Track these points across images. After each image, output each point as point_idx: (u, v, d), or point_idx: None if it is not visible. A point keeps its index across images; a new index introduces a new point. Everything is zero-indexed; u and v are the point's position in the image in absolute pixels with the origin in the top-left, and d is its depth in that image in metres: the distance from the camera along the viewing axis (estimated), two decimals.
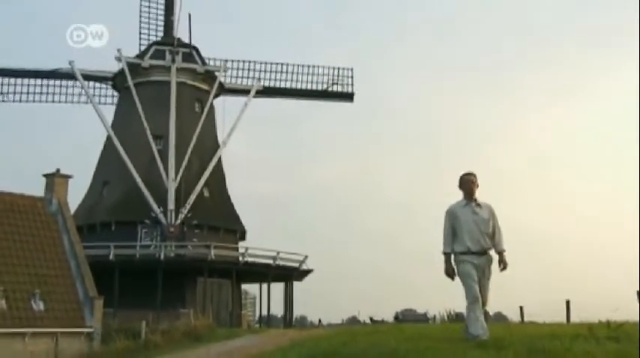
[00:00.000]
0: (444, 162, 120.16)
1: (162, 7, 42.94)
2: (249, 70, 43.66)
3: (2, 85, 40.90)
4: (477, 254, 7.43)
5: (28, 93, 41.31)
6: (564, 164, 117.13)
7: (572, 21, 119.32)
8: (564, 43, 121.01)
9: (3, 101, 41.07)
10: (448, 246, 7.60)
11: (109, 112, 42.43)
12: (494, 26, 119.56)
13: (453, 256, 7.57)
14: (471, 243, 7.43)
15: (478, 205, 7.63)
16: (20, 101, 41.35)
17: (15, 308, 21.81)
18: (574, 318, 16.65)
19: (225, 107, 43.20)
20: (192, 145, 39.55)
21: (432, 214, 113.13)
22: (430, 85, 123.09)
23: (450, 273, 7.55)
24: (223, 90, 43.32)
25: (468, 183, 7.67)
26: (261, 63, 43.75)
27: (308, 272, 40.05)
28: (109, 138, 40.52)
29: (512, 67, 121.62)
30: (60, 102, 41.74)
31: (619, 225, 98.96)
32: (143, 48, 42.12)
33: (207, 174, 39.94)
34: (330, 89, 44.33)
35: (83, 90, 41.26)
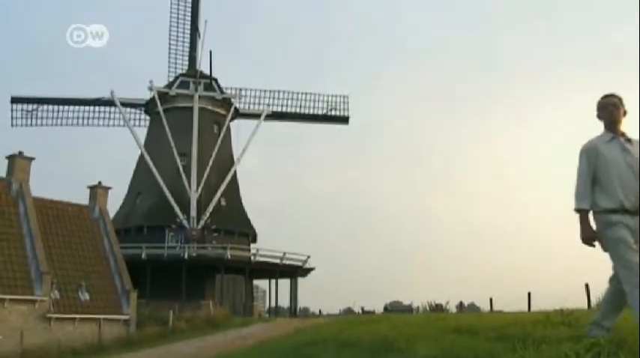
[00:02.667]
0: (425, 174, 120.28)
1: (188, 45, 43.18)
2: (259, 97, 43.81)
3: (56, 111, 41.25)
4: (632, 213, 4.13)
5: (76, 118, 41.72)
6: (523, 178, 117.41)
7: (531, 55, 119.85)
8: (522, 75, 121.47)
9: (55, 125, 41.38)
10: (585, 198, 4.25)
11: (142, 133, 42.71)
12: (465, 59, 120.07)
13: (592, 214, 4.24)
14: (625, 195, 4.15)
15: (628, 140, 4.34)
16: (72, 125, 41.77)
17: (66, 297, 22.03)
18: (534, 307, 16.76)
19: (239, 129, 43.37)
20: (211, 161, 39.64)
21: (416, 219, 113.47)
22: (413, 109, 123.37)
23: (590, 238, 4.19)
24: (238, 114, 43.41)
25: (609, 108, 4.39)
26: (270, 91, 43.93)
27: (310, 269, 40.04)
28: (141, 155, 40.66)
29: (480, 94, 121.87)
30: (102, 126, 42.15)
31: (568, 231, 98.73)
32: (171, 79, 42.33)
33: (223, 186, 39.97)
34: (328, 114, 44.50)
35: (121, 115, 41.55)
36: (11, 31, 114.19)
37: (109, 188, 27.35)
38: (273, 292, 40.04)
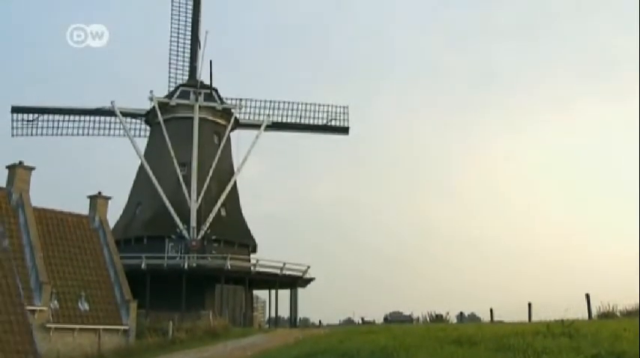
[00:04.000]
0: (424, 183, 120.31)
1: (188, 55, 43.27)
2: (260, 107, 43.71)
3: (56, 121, 41.32)
4: None
5: (77, 128, 41.66)
6: (523, 187, 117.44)
7: (526, 69, 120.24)
8: (521, 84, 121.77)
9: (56, 135, 41.44)
10: None
11: (142, 143, 42.70)
12: (464, 68, 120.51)
13: None
14: None
15: None
16: (72, 135, 41.69)
17: (65, 307, 21.95)
18: (534, 318, 16.74)
19: (239, 139, 43.32)
20: (211, 172, 39.61)
21: (417, 228, 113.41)
22: (411, 120, 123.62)
23: None
24: (238, 124, 43.39)
25: None
26: (270, 101, 43.86)
27: (310, 280, 39.91)
28: (141, 165, 40.63)
29: (479, 103, 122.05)
30: (103, 136, 42.13)
31: (569, 242, 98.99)
32: (171, 89, 42.37)
33: (223, 196, 39.92)
34: (328, 124, 44.57)
35: (121, 125, 41.58)
36: (11, 31, 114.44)
37: (109, 198, 27.31)
38: (273, 302, 39.98)
